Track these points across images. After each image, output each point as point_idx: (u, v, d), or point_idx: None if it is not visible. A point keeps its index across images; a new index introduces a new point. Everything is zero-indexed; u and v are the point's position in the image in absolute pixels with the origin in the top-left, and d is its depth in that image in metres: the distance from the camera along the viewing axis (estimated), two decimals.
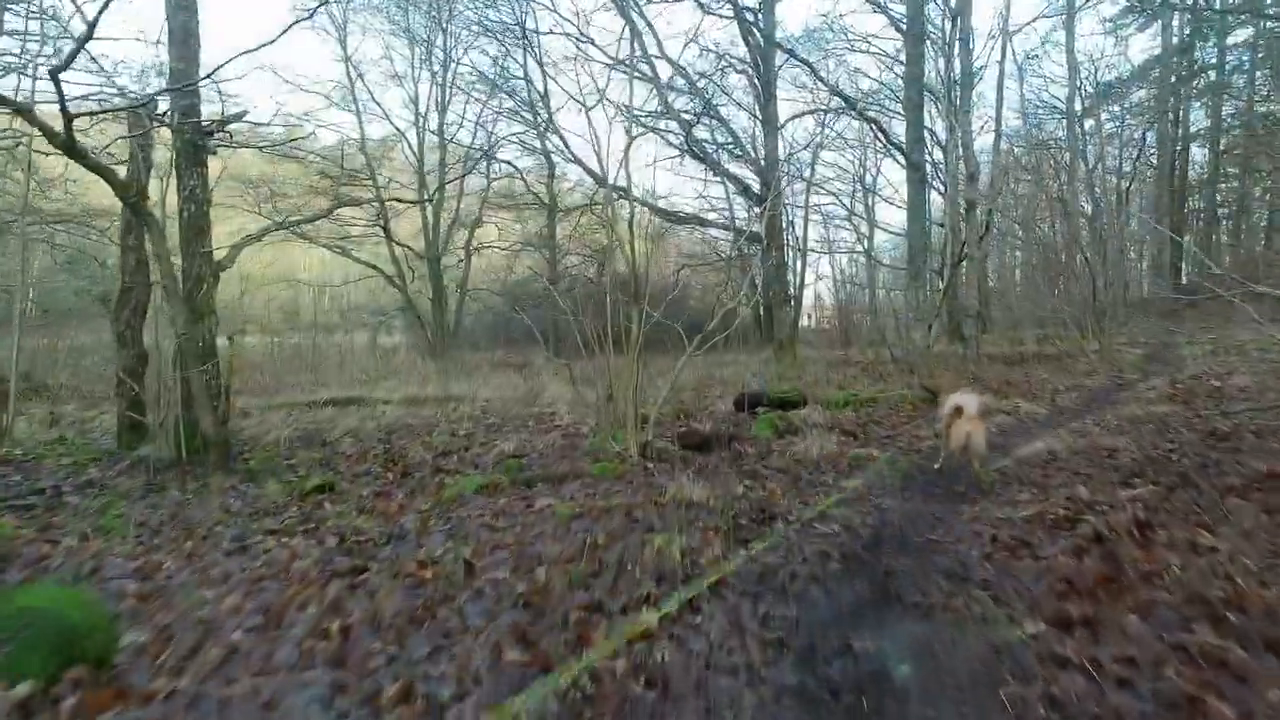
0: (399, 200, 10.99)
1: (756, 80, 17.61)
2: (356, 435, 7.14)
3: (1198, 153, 27.49)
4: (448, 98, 23.58)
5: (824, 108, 20.59)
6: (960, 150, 14.89)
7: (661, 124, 18.27)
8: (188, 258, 6.94)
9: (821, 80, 16.68)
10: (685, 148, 18.10)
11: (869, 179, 28.80)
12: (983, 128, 23.16)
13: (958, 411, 4.71)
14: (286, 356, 14.33)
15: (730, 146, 19.48)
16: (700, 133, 18.70)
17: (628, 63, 17.54)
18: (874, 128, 18.19)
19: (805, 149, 22.72)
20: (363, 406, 9.34)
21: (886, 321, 24.27)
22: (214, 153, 7.91)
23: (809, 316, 31.78)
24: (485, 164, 23.49)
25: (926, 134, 20.27)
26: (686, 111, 18.05)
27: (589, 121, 19.31)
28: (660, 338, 6.25)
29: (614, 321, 5.94)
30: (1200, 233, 27.61)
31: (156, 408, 6.31)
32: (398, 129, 23.69)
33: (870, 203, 28.87)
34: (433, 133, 23.89)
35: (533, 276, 19.41)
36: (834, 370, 13.96)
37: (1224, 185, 26.59)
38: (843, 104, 18.51)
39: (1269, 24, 17.37)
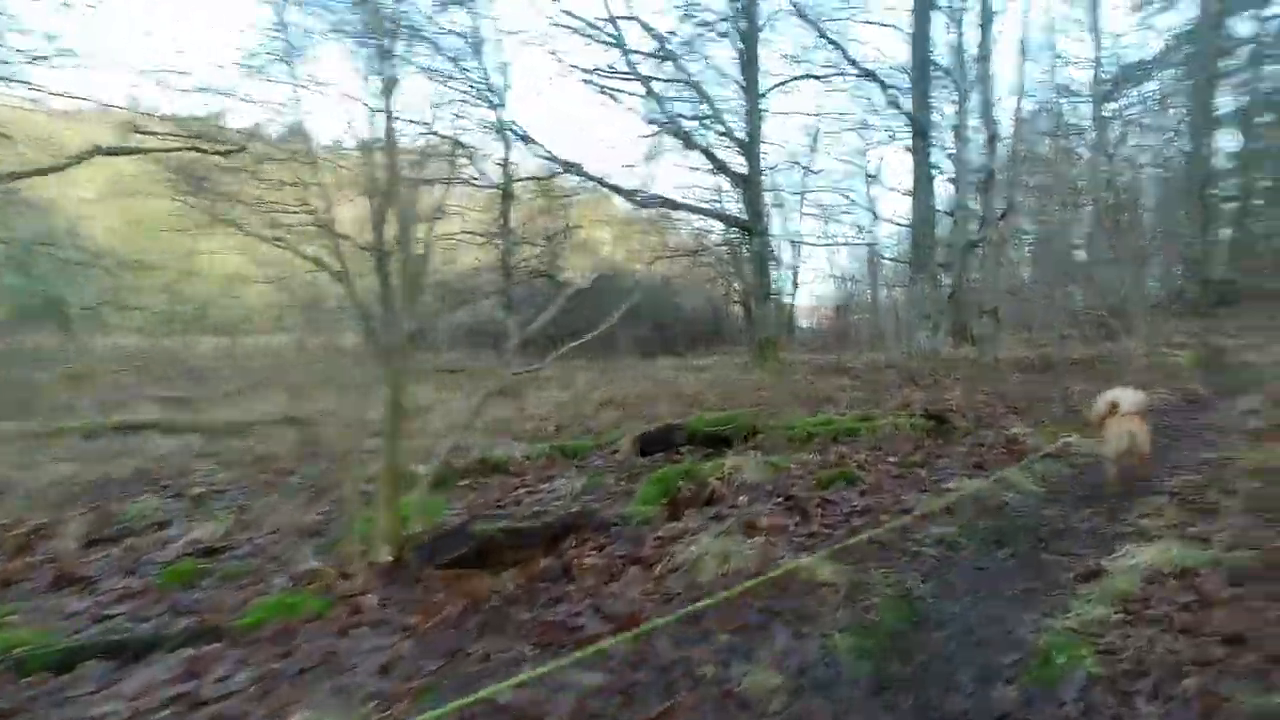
0: (204, 150, 8.35)
1: (737, 34, 15.01)
2: (45, 493, 4.58)
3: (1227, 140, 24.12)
4: (393, 70, 21.01)
5: (815, 75, 18.01)
6: (978, 112, 12.31)
7: (629, 94, 15.67)
8: None
9: (809, 21, 14.18)
10: (660, 118, 15.50)
11: (871, 167, 26.19)
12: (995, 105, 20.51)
13: (1112, 409, 4.05)
14: (147, 363, 11.80)
15: (709, 120, 16.89)
16: (679, 107, 16.19)
17: (593, 24, 15.06)
18: (868, 87, 15.64)
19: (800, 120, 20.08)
20: (159, 433, 6.85)
21: (887, 323, 21.69)
22: None
23: (809, 318, 29.05)
24: (451, 148, 20.95)
25: (935, 112, 17.67)
26: (657, 78, 15.48)
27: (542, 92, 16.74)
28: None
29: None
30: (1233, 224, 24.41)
31: None
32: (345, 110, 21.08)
33: (873, 193, 26.24)
34: (380, 110, 21.33)
35: (474, 271, 16.98)
36: (821, 379, 11.31)
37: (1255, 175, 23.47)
38: (836, 67, 15.93)
39: None
